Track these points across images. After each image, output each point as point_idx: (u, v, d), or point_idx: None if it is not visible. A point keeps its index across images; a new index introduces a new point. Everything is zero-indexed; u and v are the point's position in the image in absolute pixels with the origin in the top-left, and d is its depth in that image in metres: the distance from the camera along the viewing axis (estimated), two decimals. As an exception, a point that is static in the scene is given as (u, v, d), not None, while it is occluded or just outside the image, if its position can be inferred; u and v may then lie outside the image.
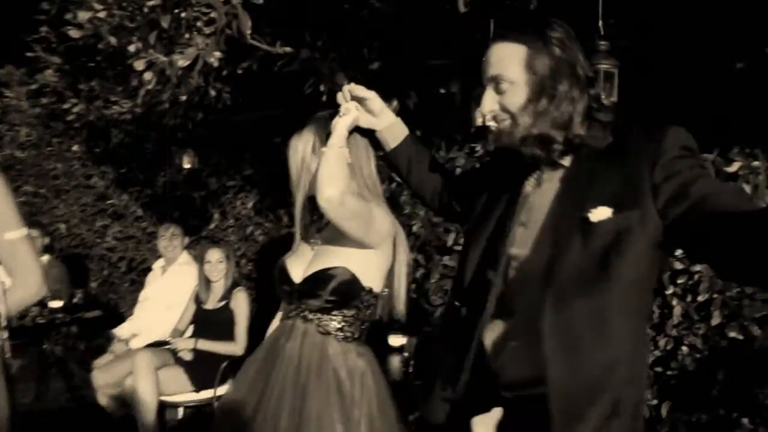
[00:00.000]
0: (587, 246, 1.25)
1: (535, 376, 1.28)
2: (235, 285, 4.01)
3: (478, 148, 4.03)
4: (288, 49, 2.28)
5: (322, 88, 2.55)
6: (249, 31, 1.80)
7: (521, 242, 1.37)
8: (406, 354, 3.74)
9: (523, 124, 1.34)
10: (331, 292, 1.77)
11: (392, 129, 1.75)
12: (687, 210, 1.18)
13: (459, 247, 4.23)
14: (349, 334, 1.80)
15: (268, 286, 4.81)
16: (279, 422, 1.70)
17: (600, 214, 1.25)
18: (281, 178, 4.66)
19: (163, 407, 3.68)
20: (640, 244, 1.24)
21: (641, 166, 1.25)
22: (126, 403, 3.68)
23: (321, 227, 1.89)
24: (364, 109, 1.73)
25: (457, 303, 1.45)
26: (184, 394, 3.74)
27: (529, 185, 1.41)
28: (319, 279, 1.78)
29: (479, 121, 1.40)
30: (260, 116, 4.11)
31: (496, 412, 1.37)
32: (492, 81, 1.36)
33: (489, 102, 1.37)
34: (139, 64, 1.81)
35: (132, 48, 1.87)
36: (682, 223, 1.19)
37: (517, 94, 1.33)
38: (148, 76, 1.85)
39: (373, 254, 1.76)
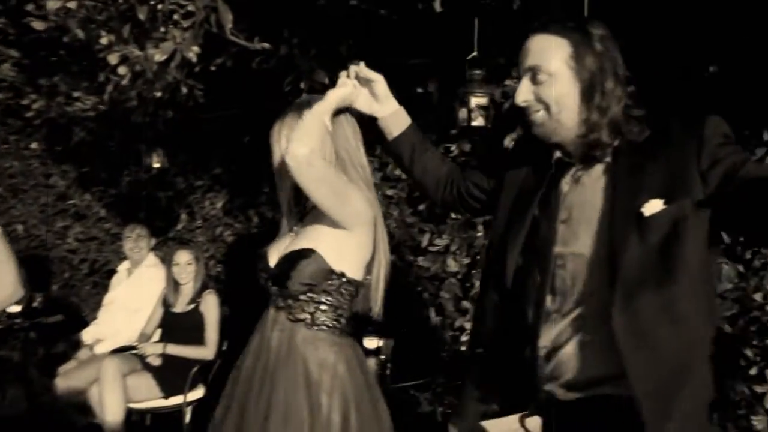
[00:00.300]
0: (645, 240, 1.27)
1: (603, 375, 1.28)
2: (204, 287, 3.92)
3: (453, 148, 4.03)
4: (266, 45, 2.22)
5: (302, 85, 2.50)
6: (230, 25, 1.73)
7: (565, 240, 1.37)
8: (383, 357, 3.70)
9: (560, 118, 1.36)
10: (297, 274, 1.70)
11: (395, 117, 1.71)
12: (739, 190, 1.21)
13: (433, 248, 4.22)
14: (320, 322, 1.71)
15: (238, 288, 4.74)
16: (247, 409, 1.66)
17: (652, 207, 1.27)
18: (251, 178, 4.61)
19: (130, 415, 3.56)
20: (696, 230, 1.26)
21: (686, 156, 1.27)
22: (91, 411, 3.55)
23: (302, 215, 1.83)
24: (369, 93, 1.69)
25: (495, 303, 1.44)
26: (152, 401, 3.63)
27: (565, 182, 1.41)
28: (286, 262, 1.72)
29: (520, 102, 1.39)
30: (230, 114, 4.02)
31: (533, 420, 1.38)
32: (529, 71, 1.37)
33: (524, 91, 1.38)
34: (113, 58, 1.72)
35: (104, 41, 1.78)
36: (735, 204, 1.22)
37: (554, 86, 1.34)
38: (122, 70, 1.76)
39: (346, 236, 1.68)
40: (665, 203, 1.26)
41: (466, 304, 4.08)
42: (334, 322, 1.73)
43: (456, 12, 2.78)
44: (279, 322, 1.73)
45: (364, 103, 1.70)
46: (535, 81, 1.36)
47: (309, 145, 1.56)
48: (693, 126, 1.30)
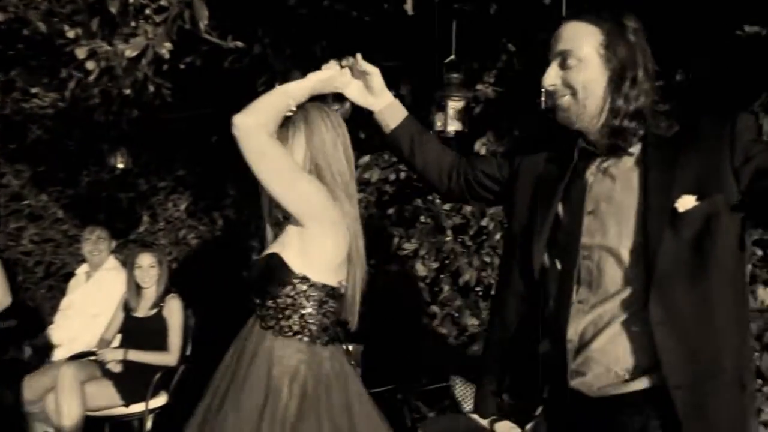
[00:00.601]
0: (678, 235, 1.28)
1: (635, 371, 1.28)
2: (167, 291, 3.83)
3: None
4: (240, 44, 2.16)
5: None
6: (206, 22, 1.68)
7: (591, 232, 1.37)
8: (352, 362, 3.66)
9: (586, 104, 1.36)
10: (265, 282, 1.65)
11: (391, 110, 1.67)
12: None
13: (402, 252, 4.20)
14: (286, 329, 1.63)
15: (202, 292, 4.64)
16: (210, 411, 1.62)
17: (686, 203, 1.28)
18: (216, 180, 4.52)
19: (88, 423, 3.44)
20: (729, 225, 1.28)
21: (719, 152, 1.29)
22: (47, 420, 3.42)
23: (279, 221, 1.77)
24: (364, 86, 1.66)
25: (521, 295, 1.43)
26: (112, 408, 3.52)
27: (590, 173, 1.41)
28: (256, 270, 1.69)
29: (547, 86, 1.39)
30: (197, 115, 3.94)
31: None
32: (559, 56, 1.38)
33: (552, 75, 1.39)
34: (80, 52, 1.65)
35: (71, 34, 1.69)
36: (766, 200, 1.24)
37: (583, 71, 1.35)
38: (90, 65, 1.69)
39: (308, 236, 1.61)
40: (698, 199, 1.28)
41: (434, 308, 4.08)
42: (301, 329, 1.64)
43: (429, 15, 2.77)
44: (254, 331, 1.67)
45: (359, 96, 1.67)
46: (563, 66, 1.38)
47: (256, 116, 1.53)
48: (724, 122, 1.32)
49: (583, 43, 1.35)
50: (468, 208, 3.82)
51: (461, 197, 1.71)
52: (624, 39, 1.35)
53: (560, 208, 1.42)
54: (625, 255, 1.33)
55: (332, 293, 1.67)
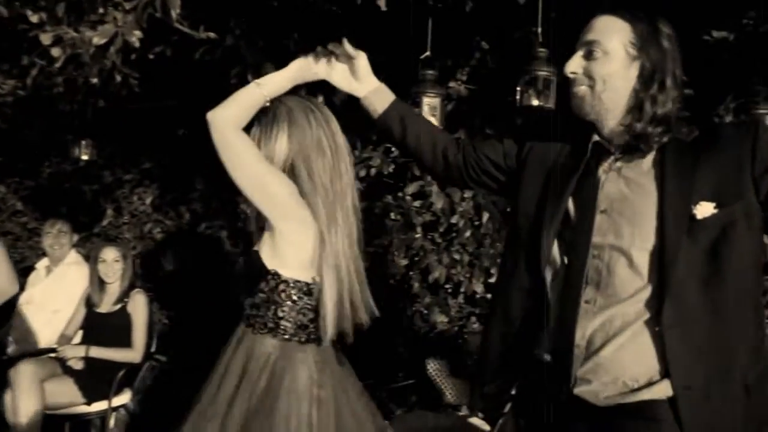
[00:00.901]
0: (695, 241, 1.28)
1: (646, 380, 1.27)
2: (132, 287, 3.75)
3: (394, 149, 4.01)
4: (212, 34, 2.11)
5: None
6: (178, 11, 1.63)
7: (603, 231, 1.36)
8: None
9: (603, 98, 1.36)
10: (242, 277, 1.68)
11: (377, 94, 1.63)
12: None
13: (371, 249, 4.18)
14: (262, 326, 1.63)
15: (168, 287, 4.55)
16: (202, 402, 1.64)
17: (704, 210, 1.28)
18: (183, 173, 4.43)
19: (48, 423, 3.34)
20: (746, 233, 1.29)
21: (739, 160, 1.29)
22: (3, 420, 3.31)
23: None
24: (348, 71, 1.62)
25: (526, 290, 1.41)
26: (73, 407, 3.42)
27: (602, 170, 1.40)
28: (238, 265, 1.74)
29: (568, 73, 1.39)
30: (165, 106, 3.85)
31: None
32: (585, 46, 1.38)
33: (575, 63, 1.39)
34: (45, 38, 1.58)
35: (34, 19, 1.62)
36: None
37: (607, 64, 1.35)
38: (56, 52, 1.62)
39: (278, 233, 1.61)
40: (716, 207, 1.28)
41: (403, 305, 4.08)
42: (275, 326, 1.62)
43: (403, 11, 2.75)
44: (240, 329, 1.68)
45: (344, 82, 1.63)
46: (589, 56, 1.38)
47: (228, 111, 1.55)
48: (746, 130, 1.33)
49: (613, 38, 1.36)
50: (438, 205, 3.83)
51: (460, 180, 1.65)
52: (657, 43, 1.36)
53: (570, 202, 1.41)
54: (638, 258, 1.33)
55: (306, 290, 1.64)
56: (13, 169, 5.05)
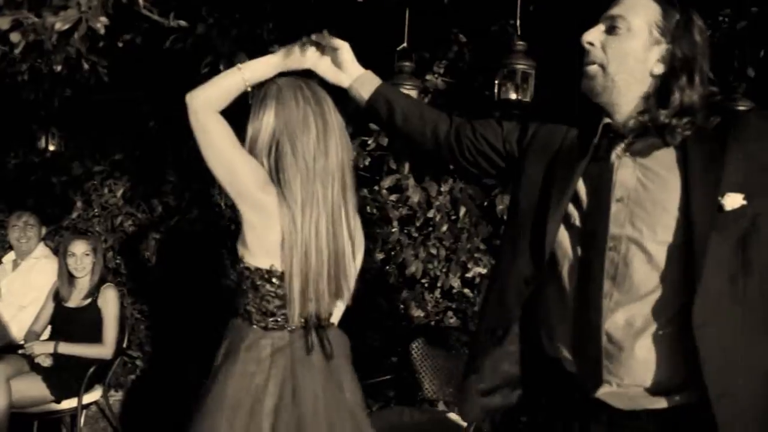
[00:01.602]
0: (723, 233, 1.22)
1: (674, 382, 1.22)
2: (102, 281, 3.67)
3: (370, 141, 3.97)
4: (182, 22, 2.05)
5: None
6: (146, -7, 1.57)
7: (620, 222, 1.30)
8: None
9: (617, 79, 1.31)
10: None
11: (362, 81, 1.60)
12: None
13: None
14: (233, 310, 1.67)
15: (139, 281, 4.45)
16: None
17: (733, 201, 1.23)
18: (155, 165, 4.34)
19: (15, 421, 3.25)
20: None
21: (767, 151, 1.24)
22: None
23: None
24: (333, 62, 1.60)
25: (525, 278, 1.35)
26: (42, 405, 3.34)
27: (615, 155, 1.33)
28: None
29: (585, 42, 1.33)
30: (135, 96, 3.75)
31: None
32: (609, 19, 1.33)
33: (594, 34, 1.34)
34: (3, 22, 1.50)
35: (-9, 3, 1.55)
36: None
37: (627, 42, 1.30)
38: (14, 37, 1.55)
39: (244, 221, 1.62)
40: (745, 198, 1.22)
41: (380, 300, 4.05)
42: (242, 311, 1.65)
43: (379, 1, 2.71)
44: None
45: (329, 72, 1.61)
46: (611, 31, 1.32)
47: (205, 94, 1.55)
48: None
49: (639, 16, 1.31)
50: (415, 199, 3.80)
51: (453, 161, 1.59)
52: (689, 33, 1.31)
53: (581, 187, 1.34)
54: (658, 252, 1.27)
55: (266, 277, 1.61)
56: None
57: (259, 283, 1.61)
